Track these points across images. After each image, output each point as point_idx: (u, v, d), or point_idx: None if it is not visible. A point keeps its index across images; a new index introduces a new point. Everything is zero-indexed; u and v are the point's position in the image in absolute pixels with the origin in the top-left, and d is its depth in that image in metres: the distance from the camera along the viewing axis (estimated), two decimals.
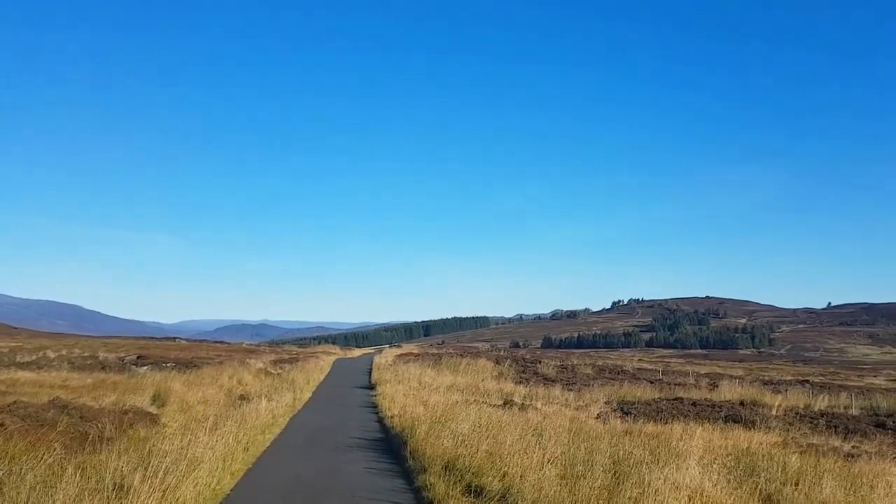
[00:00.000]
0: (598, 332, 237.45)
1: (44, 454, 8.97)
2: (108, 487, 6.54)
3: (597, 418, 15.72)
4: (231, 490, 8.41)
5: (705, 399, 21.47)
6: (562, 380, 29.33)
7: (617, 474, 7.40)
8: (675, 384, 28.40)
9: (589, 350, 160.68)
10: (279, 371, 32.62)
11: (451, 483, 7.70)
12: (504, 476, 7.50)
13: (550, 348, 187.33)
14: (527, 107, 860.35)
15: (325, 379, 32.12)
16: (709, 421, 15.36)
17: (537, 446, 9.11)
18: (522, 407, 16.47)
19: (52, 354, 34.66)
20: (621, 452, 8.68)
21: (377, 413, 18.08)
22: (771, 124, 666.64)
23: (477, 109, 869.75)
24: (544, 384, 27.48)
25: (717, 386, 27.44)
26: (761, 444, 12.06)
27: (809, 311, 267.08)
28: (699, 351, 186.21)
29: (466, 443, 9.44)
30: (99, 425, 11.94)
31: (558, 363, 37.57)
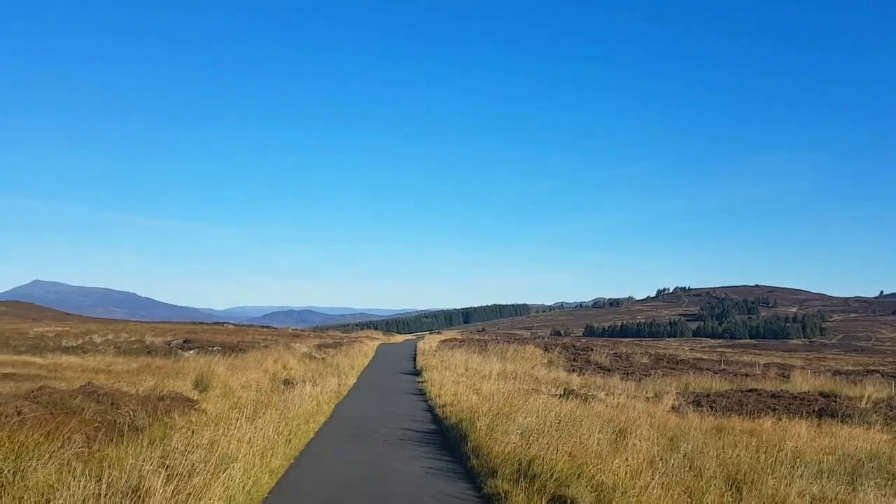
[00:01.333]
0: (643, 320, 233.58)
1: (61, 447, 7.96)
2: (121, 491, 5.41)
3: (672, 411, 14.28)
4: (269, 493, 7.17)
5: (781, 390, 19.80)
6: (618, 369, 27.82)
7: (736, 485, 6.02)
8: (741, 374, 26.66)
9: (634, 339, 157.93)
10: (323, 355, 31.77)
11: (532, 493, 6.29)
12: (598, 488, 6.08)
13: (593, 337, 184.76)
14: (570, 94, 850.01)
15: (370, 364, 31.13)
16: (799, 415, 13.79)
17: (624, 446, 7.75)
18: (585, 398, 15.10)
19: (98, 339, 34.32)
20: (728, 455, 7.26)
21: (426, 401, 16.89)
22: (822, 109, 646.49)
23: (519, 99, 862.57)
24: (599, 373, 26.03)
25: (787, 376, 25.64)
26: (873, 441, 10.50)
27: (861, 300, 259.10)
28: (748, 341, 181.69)
29: (538, 440, 8.11)
30: (130, 413, 10.95)
31: (611, 351, 35.98)
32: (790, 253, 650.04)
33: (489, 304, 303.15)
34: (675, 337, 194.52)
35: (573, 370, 27.31)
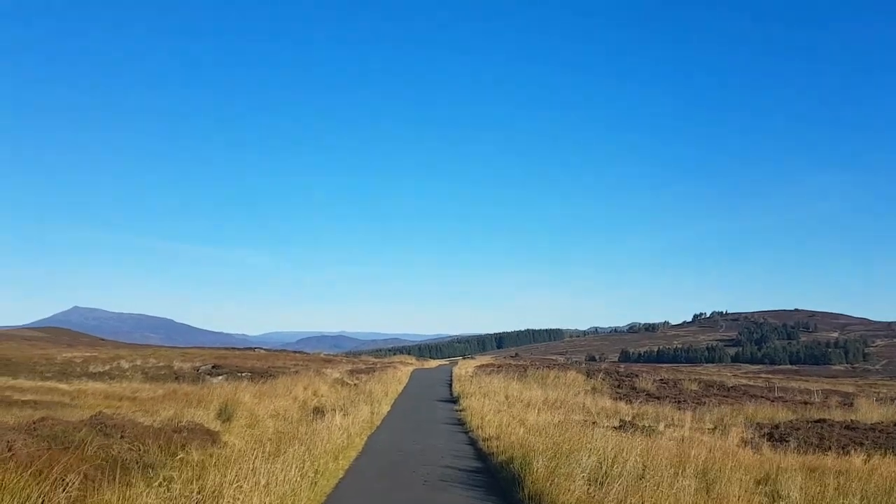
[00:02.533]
0: (680, 346, 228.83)
1: (50, 489, 6.81)
2: None
3: (744, 446, 12.75)
4: None
5: (852, 421, 18.06)
6: (667, 396, 26.14)
7: None
8: (800, 402, 24.82)
9: (671, 364, 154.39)
10: (356, 381, 30.57)
11: None
12: None
13: (628, 362, 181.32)
14: (603, 114, 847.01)
15: (404, 390, 29.83)
16: (888, 449, 12.17)
17: (715, 495, 6.34)
18: (645, 430, 13.61)
19: (125, 365, 33.59)
20: None
21: (467, 432, 15.54)
22: (860, 129, 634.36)
23: (550, 120, 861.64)
24: (648, 401, 24.41)
25: (851, 405, 23.76)
26: None
27: None
28: (789, 367, 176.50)
29: (612, 487, 6.75)
30: (141, 448, 9.81)
31: (656, 377, 34.21)
32: (830, 276, 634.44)
33: (522, 329, 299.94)
34: (713, 363, 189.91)
35: (619, 398, 25.74)
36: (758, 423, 17.35)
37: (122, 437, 10.30)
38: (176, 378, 30.92)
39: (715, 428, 16.03)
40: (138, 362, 33.80)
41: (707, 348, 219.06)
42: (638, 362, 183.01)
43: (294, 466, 7.97)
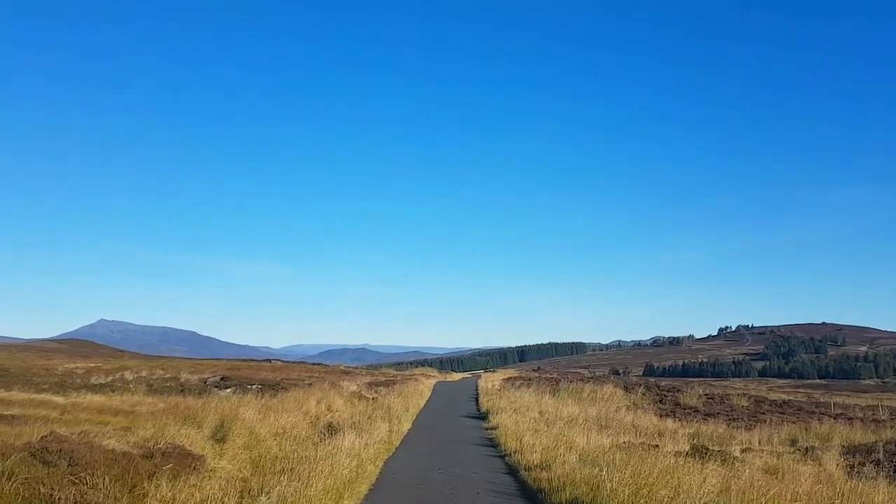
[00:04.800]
0: (705, 359, 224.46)
1: None
2: None
3: (849, 477, 10.23)
4: None
5: None
6: (718, 413, 23.54)
7: None
8: (871, 420, 22.15)
9: (696, 379, 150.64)
10: (374, 395, 28.26)
11: None
12: None
13: (653, 376, 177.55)
14: (627, 126, 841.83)
15: (427, 405, 27.46)
16: None
17: None
18: (720, 457, 11.13)
19: (129, 376, 31.55)
20: None
21: (503, 457, 13.14)
22: (886, 142, 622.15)
23: (572, 133, 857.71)
24: (697, 418, 21.86)
25: None
26: None
27: None
28: (818, 381, 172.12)
29: None
30: (88, 480, 7.56)
31: (701, 392, 31.52)
32: (859, 289, 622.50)
33: (545, 343, 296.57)
34: (739, 377, 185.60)
35: (665, 414, 23.19)
36: (843, 446, 14.78)
37: (70, 465, 8.06)
38: (182, 390, 28.85)
39: (797, 451, 13.50)
40: (143, 374, 31.79)
41: (733, 362, 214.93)
42: (663, 377, 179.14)
43: None
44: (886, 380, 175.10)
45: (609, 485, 6.86)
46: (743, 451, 12.63)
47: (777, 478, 9.14)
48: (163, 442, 11.03)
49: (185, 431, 13.23)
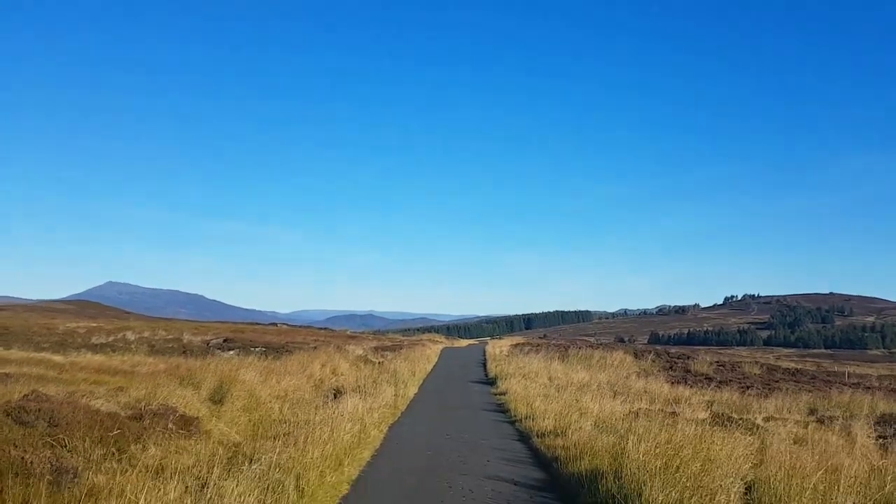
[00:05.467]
0: (710, 328, 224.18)
1: None
2: None
3: (883, 447, 9.61)
4: None
5: None
6: (730, 381, 22.93)
7: None
8: (891, 390, 21.51)
9: (701, 347, 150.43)
10: (380, 359, 27.75)
11: None
12: None
13: (658, 344, 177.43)
14: (634, 92, 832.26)
15: (434, 370, 26.95)
16: None
17: None
18: (744, 426, 10.51)
19: (131, 336, 31.11)
20: None
21: (513, 422, 12.55)
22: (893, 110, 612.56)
23: (580, 97, 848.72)
24: (710, 385, 21.26)
25: None
26: None
27: None
28: (823, 351, 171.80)
29: None
30: (68, 442, 6.98)
31: (713, 360, 30.93)
32: (867, 260, 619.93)
33: (551, 311, 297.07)
34: (744, 346, 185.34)
35: (676, 381, 22.60)
36: (866, 416, 14.15)
37: (50, 426, 7.48)
38: (184, 352, 28.41)
39: (819, 421, 12.87)
40: (146, 334, 31.35)
41: (738, 331, 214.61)
42: (667, 345, 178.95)
43: (259, 489, 5.00)
44: (893, 350, 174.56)
45: (635, 455, 6.20)
46: (765, 419, 12.01)
47: (807, 449, 8.49)
48: (155, 403, 10.44)
49: (182, 392, 12.66)
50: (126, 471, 6.35)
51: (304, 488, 5.98)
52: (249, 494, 5.00)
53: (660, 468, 5.66)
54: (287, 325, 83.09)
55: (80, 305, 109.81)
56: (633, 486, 5.70)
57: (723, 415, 11.25)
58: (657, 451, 6.25)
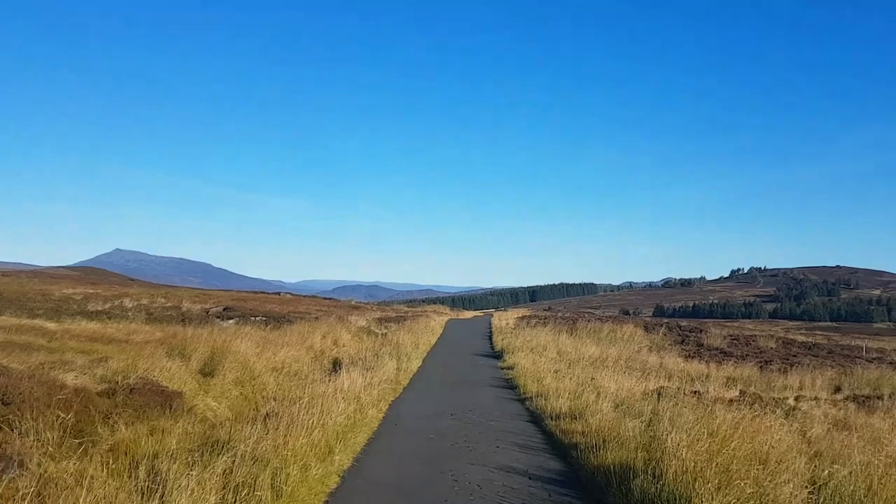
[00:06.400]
0: (716, 301, 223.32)
1: None
2: None
3: None
4: None
5: None
6: (748, 355, 22.07)
7: None
8: None
9: (708, 320, 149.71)
10: (384, 331, 26.97)
11: None
12: None
13: (663, 317, 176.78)
14: (645, 65, 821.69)
15: (438, 342, 26.15)
16: None
17: None
18: (776, 406, 9.61)
19: (129, 304, 30.33)
20: None
21: (523, 400, 11.69)
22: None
23: (589, 70, 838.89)
24: (727, 361, 20.41)
25: None
26: None
27: None
28: (829, 324, 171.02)
29: None
30: (19, 424, 6.12)
31: (726, 333, 30.05)
32: (874, 232, 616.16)
33: (556, 283, 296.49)
34: (749, 318, 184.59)
35: (690, 356, 21.77)
36: None
37: (3, 403, 6.62)
38: (182, 320, 27.58)
39: (851, 399, 11.96)
40: (144, 301, 30.56)
41: (744, 304, 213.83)
42: (673, 317, 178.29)
43: (222, 489, 4.11)
44: None
45: (673, 448, 5.29)
46: (796, 399, 11.11)
47: (857, 436, 7.58)
48: (133, 376, 9.59)
49: (169, 364, 11.82)
50: (80, 458, 5.50)
51: (281, 487, 5.07)
52: (206, 499, 4.12)
53: (700, 466, 4.75)
54: (291, 294, 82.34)
55: (84, 272, 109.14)
56: (677, 490, 4.77)
57: (755, 395, 10.35)
58: (699, 444, 5.34)
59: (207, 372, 12.48)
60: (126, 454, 6.04)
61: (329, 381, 10.89)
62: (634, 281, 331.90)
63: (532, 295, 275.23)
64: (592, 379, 12.17)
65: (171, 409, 8.73)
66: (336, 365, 16.06)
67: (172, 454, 4.99)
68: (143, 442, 6.42)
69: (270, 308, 34.31)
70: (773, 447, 5.70)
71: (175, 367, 11.68)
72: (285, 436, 5.84)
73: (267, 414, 6.76)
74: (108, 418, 7.26)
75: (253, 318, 29.11)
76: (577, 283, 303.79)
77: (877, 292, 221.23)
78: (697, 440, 5.41)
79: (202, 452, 5.23)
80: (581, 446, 7.07)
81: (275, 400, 9.01)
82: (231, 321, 28.25)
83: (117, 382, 9.00)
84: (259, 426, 5.88)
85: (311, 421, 6.45)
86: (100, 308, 28.11)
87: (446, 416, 9.68)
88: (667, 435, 5.55)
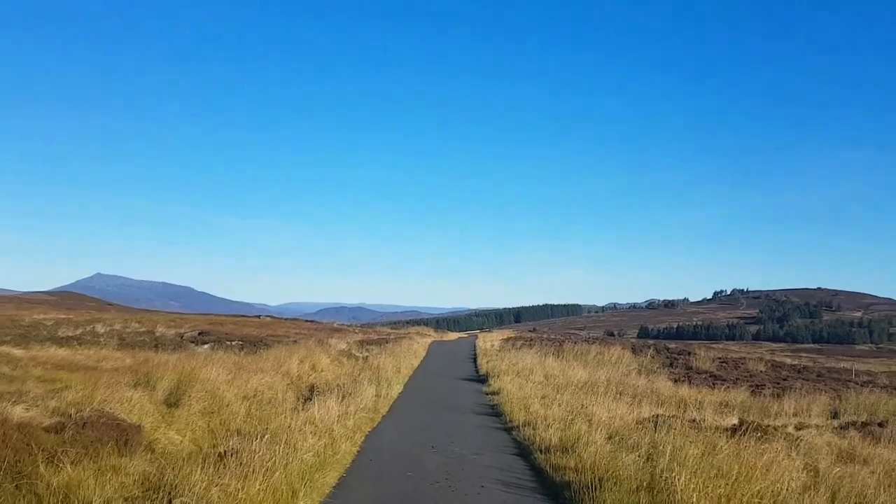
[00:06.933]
0: (700, 322, 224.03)
1: None
2: None
3: None
4: None
5: None
6: (739, 379, 21.53)
7: None
8: None
9: (692, 341, 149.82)
10: (365, 354, 26.23)
11: None
12: None
13: (647, 338, 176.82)
14: (626, 85, 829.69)
15: (421, 366, 25.42)
16: None
17: None
18: (775, 434, 9.03)
19: (101, 329, 29.41)
20: None
21: (509, 430, 11.02)
22: (889, 106, 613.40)
23: (572, 94, 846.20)
24: (716, 385, 19.86)
25: None
26: None
27: None
28: (812, 346, 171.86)
29: None
30: None
31: (714, 356, 29.56)
32: (855, 255, 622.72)
33: (540, 304, 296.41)
34: (733, 340, 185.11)
35: (679, 379, 21.19)
36: None
37: None
38: (156, 345, 26.79)
39: (852, 426, 11.40)
40: (116, 327, 29.67)
41: (728, 326, 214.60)
42: (658, 339, 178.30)
43: None
44: (881, 345, 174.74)
45: (682, 490, 4.66)
46: (796, 427, 10.54)
47: (868, 470, 7.00)
48: (88, 409, 8.83)
49: (131, 394, 11.04)
50: None
51: None
52: None
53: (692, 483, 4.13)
54: (272, 316, 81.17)
55: (61, 297, 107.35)
56: None
57: (754, 423, 9.75)
58: (706, 484, 4.71)
59: (173, 402, 11.70)
60: (64, 501, 5.34)
61: (301, 410, 10.17)
62: (618, 302, 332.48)
63: (517, 316, 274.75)
64: (583, 406, 11.54)
65: (126, 444, 7.99)
66: (313, 391, 15.35)
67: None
68: (89, 484, 5.71)
69: (248, 332, 33.48)
70: (788, 487, 5.09)
71: (137, 398, 10.90)
72: (244, 478, 5.14)
73: (224, 452, 6.04)
74: (54, 457, 6.53)
75: (229, 343, 28.31)
76: (561, 304, 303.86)
77: (858, 314, 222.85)
78: (705, 482, 4.79)
79: (146, 500, 4.55)
80: (574, 485, 6.39)
81: (238, 434, 8.27)
82: (206, 346, 27.43)
83: (70, 416, 8.26)
84: (211, 468, 5.18)
85: (272, 461, 5.74)
86: (70, 334, 27.21)
87: (427, 449, 8.97)
88: (675, 476, 4.92)
